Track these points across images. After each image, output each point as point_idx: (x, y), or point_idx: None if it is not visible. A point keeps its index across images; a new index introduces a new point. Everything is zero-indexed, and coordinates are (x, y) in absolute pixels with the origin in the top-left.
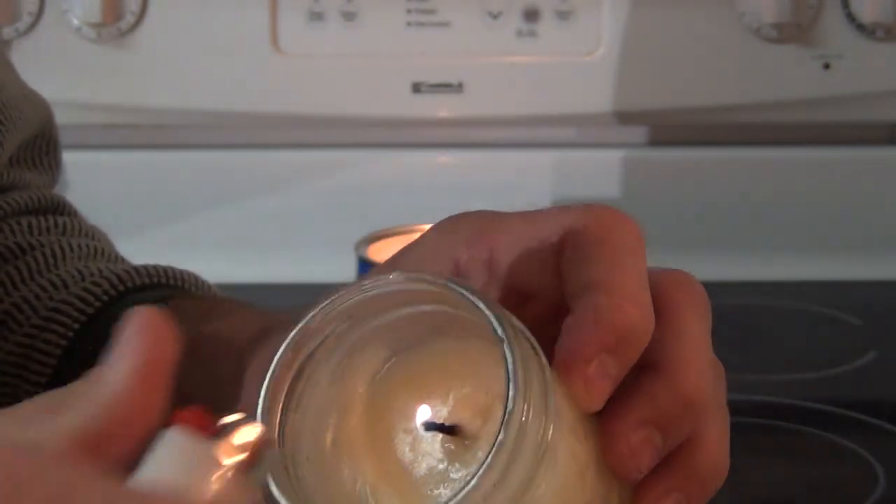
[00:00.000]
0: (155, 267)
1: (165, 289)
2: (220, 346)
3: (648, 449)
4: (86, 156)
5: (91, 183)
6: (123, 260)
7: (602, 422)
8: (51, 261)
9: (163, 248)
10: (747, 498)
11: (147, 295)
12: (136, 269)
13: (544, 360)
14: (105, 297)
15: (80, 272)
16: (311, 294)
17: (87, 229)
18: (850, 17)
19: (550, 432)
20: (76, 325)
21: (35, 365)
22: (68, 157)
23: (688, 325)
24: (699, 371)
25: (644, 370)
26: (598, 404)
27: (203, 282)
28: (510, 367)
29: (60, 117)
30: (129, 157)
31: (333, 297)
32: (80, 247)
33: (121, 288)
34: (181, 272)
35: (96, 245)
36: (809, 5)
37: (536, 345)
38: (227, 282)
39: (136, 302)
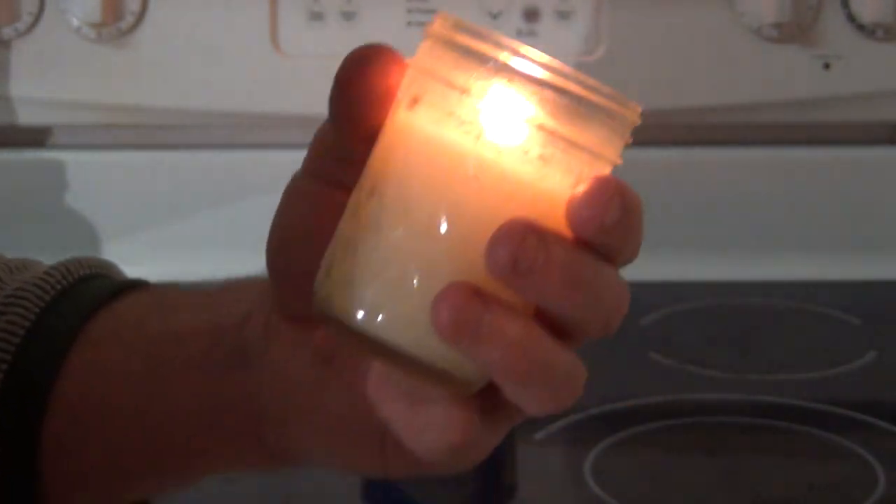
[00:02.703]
0: (86, 259)
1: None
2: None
3: None
4: (86, 156)
5: (91, 183)
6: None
7: None
8: None
9: (163, 248)
10: (747, 498)
11: (104, 282)
12: (79, 261)
13: None
14: (63, 283)
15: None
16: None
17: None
18: (850, 17)
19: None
20: (37, 309)
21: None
22: (68, 157)
23: None
24: None
25: None
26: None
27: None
28: None
29: (60, 117)
30: (129, 157)
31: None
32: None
33: (76, 276)
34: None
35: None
36: (809, 5)
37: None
38: None
39: (95, 289)
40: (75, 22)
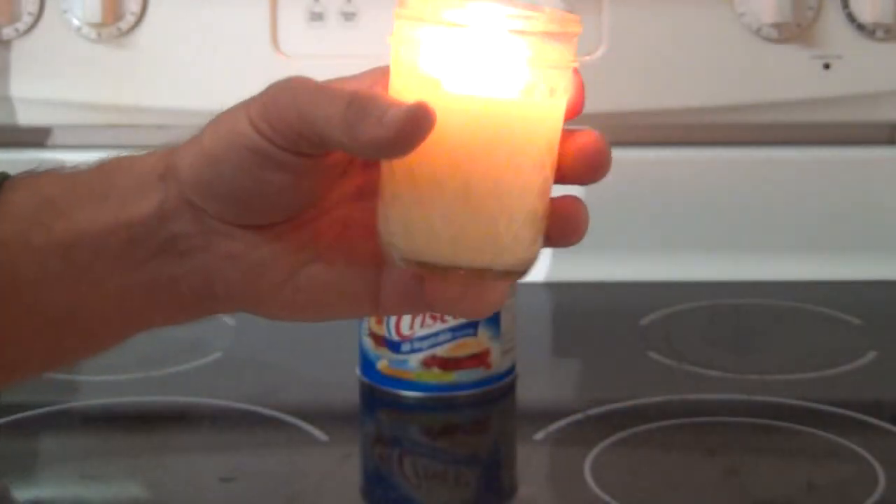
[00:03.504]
0: None
1: None
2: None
3: None
4: (86, 156)
5: None
6: None
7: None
8: None
9: None
10: (747, 498)
11: None
12: None
13: None
14: None
15: None
16: None
17: None
18: (850, 17)
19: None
20: None
21: None
22: (68, 157)
23: None
24: None
25: None
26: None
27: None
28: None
29: (60, 117)
30: None
31: None
32: None
33: None
34: None
35: None
36: (809, 5)
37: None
38: None
39: None
40: (75, 22)
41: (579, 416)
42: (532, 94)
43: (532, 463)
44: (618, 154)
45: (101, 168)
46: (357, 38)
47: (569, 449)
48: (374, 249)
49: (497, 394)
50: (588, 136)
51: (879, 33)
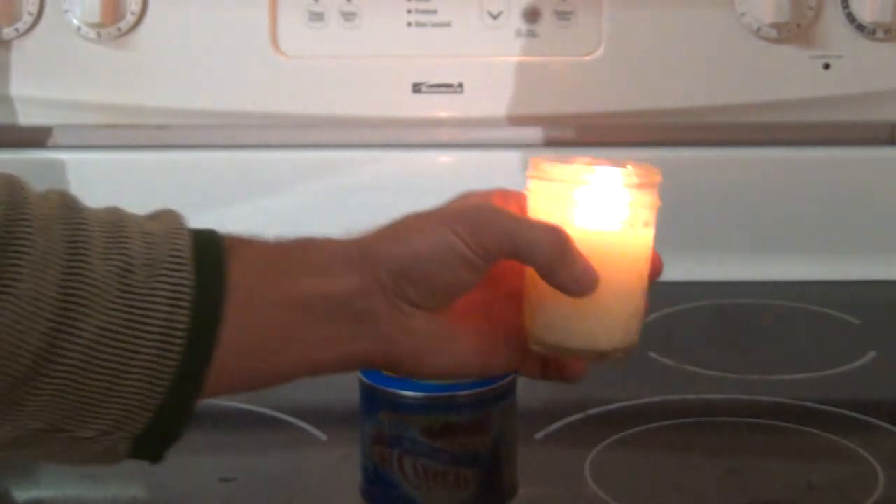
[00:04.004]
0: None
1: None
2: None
3: None
4: (86, 156)
5: (91, 183)
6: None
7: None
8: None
9: None
10: (747, 498)
11: (212, 241)
12: (192, 231)
13: None
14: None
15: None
16: None
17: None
18: (850, 17)
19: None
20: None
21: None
22: (68, 157)
23: None
24: None
25: None
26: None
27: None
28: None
29: (60, 117)
30: (129, 157)
31: None
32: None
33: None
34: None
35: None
36: (809, 6)
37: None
38: None
39: (214, 252)
40: (75, 22)
41: (579, 415)
42: (634, 226)
43: (532, 463)
44: (618, 154)
45: (296, 243)
46: (357, 38)
47: (569, 449)
48: (514, 333)
49: (497, 394)
50: (657, 256)
51: (879, 33)
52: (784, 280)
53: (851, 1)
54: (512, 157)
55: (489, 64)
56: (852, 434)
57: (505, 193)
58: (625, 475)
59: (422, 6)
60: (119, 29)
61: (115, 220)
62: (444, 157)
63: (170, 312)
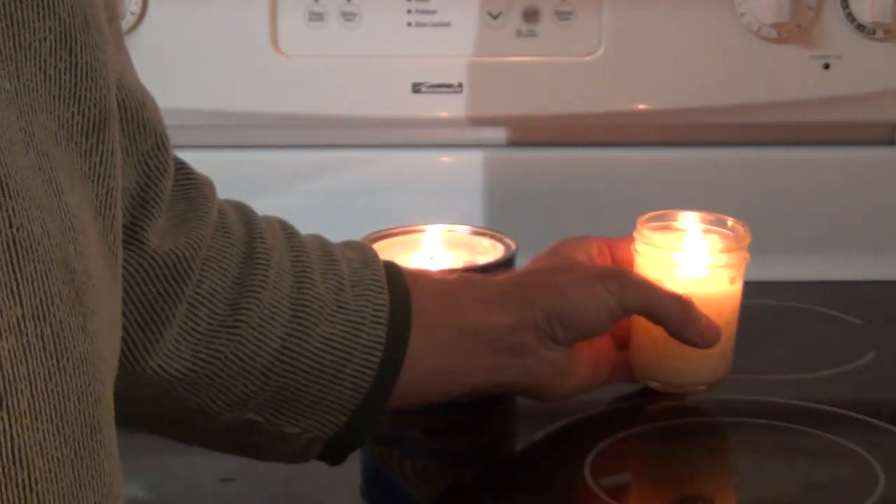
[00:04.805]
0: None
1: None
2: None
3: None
4: None
5: None
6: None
7: None
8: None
9: None
10: (747, 498)
11: (398, 277)
12: (382, 269)
13: None
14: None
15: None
16: None
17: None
18: (850, 17)
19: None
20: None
21: (361, 347)
22: None
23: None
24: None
25: None
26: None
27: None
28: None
29: None
30: None
31: None
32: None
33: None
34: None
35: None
36: (809, 6)
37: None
38: None
39: (401, 287)
40: None
41: (579, 415)
42: (730, 282)
43: (532, 463)
44: (618, 154)
45: (461, 278)
46: (357, 38)
47: (569, 449)
48: (609, 355)
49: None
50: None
51: (879, 33)
52: (784, 280)
53: (851, 1)
54: (512, 156)
55: (489, 64)
56: (852, 434)
57: (598, 242)
58: (625, 475)
59: (422, 6)
60: None
61: (322, 245)
62: (444, 157)
63: (373, 328)
